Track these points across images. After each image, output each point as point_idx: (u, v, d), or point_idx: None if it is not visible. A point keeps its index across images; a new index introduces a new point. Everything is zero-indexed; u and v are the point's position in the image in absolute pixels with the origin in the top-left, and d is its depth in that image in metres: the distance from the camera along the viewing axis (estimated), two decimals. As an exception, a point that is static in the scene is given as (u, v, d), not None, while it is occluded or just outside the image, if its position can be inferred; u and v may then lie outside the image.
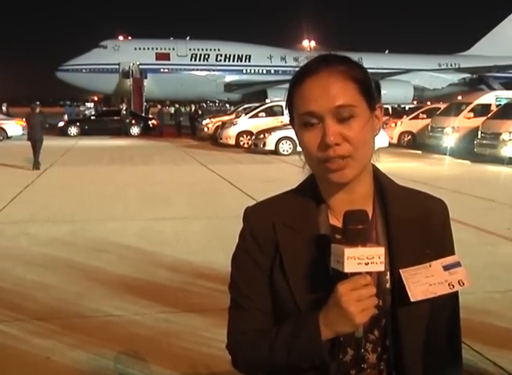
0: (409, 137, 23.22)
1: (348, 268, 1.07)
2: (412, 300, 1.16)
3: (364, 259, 1.07)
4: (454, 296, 1.27)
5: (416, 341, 1.23)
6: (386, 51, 49.97)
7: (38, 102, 17.14)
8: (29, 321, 4.71)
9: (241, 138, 23.02)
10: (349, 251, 1.06)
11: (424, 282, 1.17)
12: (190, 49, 43.31)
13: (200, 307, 4.98)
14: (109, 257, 6.65)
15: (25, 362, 4.01)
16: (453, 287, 1.18)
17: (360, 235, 1.09)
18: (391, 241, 1.22)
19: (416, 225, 1.24)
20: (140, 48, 42.27)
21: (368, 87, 1.19)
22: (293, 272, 1.20)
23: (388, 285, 1.20)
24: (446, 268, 1.19)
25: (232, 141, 23.07)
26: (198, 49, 43.50)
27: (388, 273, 1.20)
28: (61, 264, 6.32)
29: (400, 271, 1.18)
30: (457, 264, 1.20)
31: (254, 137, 21.07)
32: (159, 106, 35.63)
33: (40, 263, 6.34)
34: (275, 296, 1.23)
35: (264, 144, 19.98)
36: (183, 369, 3.91)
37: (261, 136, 20.26)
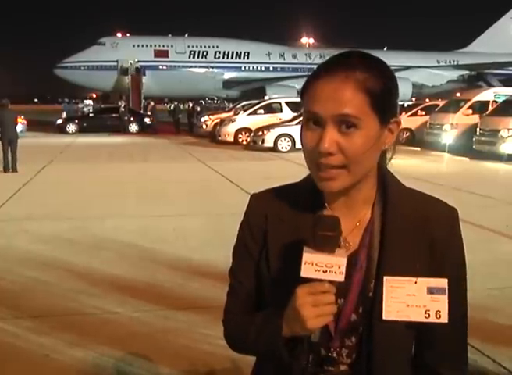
0: (407, 134, 23.19)
1: (304, 273, 1.06)
2: (384, 318, 1.14)
3: (322, 267, 1.05)
4: (460, 302, 1.22)
5: (390, 354, 1.20)
6: (385, 48, 49.91)
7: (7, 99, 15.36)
8: (28, 318, 4.71)
9: (240, 135, 23.00)
10: (307, 256, 1.05)
11: (402, 300, 1.14)
12: (188, 46, 43.26)
13: (200, 304, 4.98)
14: (108, 254, 6.65)
15: (24, 360, 4.01)
16: (429, 316, 1.14)
17: (328, 242, 1.06)
18: (383, 249, 1.19)
19: (412, 236, 1.19)
20: (138, 45, 42.20)
21: (384, 100, 1.14)
22: (276, 264, 1.22)
23: (371, 294, 1.18)
24: (430, 291, 1.14)
25: (230, 138, 23.05)
26: (197, 46, 43.44)
27: (373, 280, 1.18)
28: (60, 261, 6.31)
29: (384, 278, 1.16)
30: (443, 290, 1.14)
31: (252, 134, 21.06)
32: (152, 103, 35.57)
33: (39, 261, 6.34)
34: (259, 283, 1.27)
35: (262, 142, 19.97)
36: (182, 367, 3.91)
37: (260, 133, 20.24)
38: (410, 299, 1.14)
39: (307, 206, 1.23)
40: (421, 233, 1.20)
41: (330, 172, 1.12)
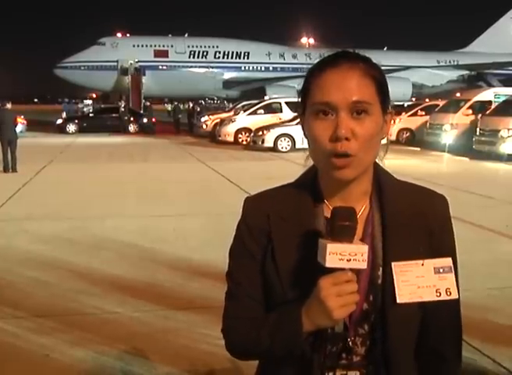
0: (407, 134, 23.22)
1: (329, 263, 1.08)
2: (398, 301, 1.17)
3: (346, 256, 1.08)
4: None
5: (404, 338, 1.24)
6: (385, 48, 49.88)
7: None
8: (28, 318, 4.72)
9: (240, 135, 23.00)
10: (331, 247, 1.08)
11: (413, 282, 1.18)
12: (188, 46, 43.22)
13: (200, 304, 4.98)
14: (108, 254, 6.66)
15: (24, 360, 4.01)
16: (440, 295, 1.18)
17: (347, 231, 1.09)
18: (386, 237, 1.23)
19: (412, 222, 1.24)
20: (138, 45, 42.17)
21: (384, 89, 1.21)
22: (284, 262, 1.22)
23: (379, 281, 1.21)
24: (437, 271, 1.19)
25: (230, 138, 23.06)
26: (197, 46, 43.41)
27: (381, 268, 1.21)
28: (60, 261, 6.32)
29: (392, 264, 1.19)
30: (449, 269, 1.20)
31: (252, 135, 21.07)
32: (148, 103, 35.50)
33: (40, 260, 6.34)
34: (266, 284, 1.26)
35: (262, 142, 19.97)
36: (182, 367, 3.92)
37: (260, 133, 20.25)
38: (419, 281, 1.18)
39: (307, 203, 1.25)
40: (420, 221, 1.25)
41: (344, 160, 1.15)
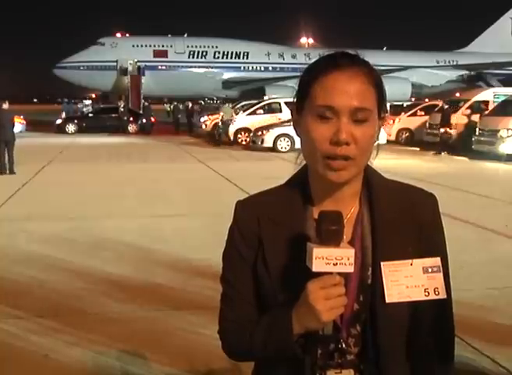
0: (407, 134, 23.22)
1: (316, 267, 1.09)
2: (387, 301, 1.18)
3: (332, 260, 1.08)
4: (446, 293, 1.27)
5: (395, 337, 1.24)
6: (384, 48, 49.87)
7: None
8: (27, 318, 4.72)
9: (239, 135, 23.01)
10: (317, 251, 1.08)
11: (402, 282, 1.19)
12: (187, 46, 43.19)
13: (200, 304, 4.98)
14: (108, 254, 6.65)
15: (23, 360, 4.01)
16: (428, 294, 1.19)
17: (333, 236, 1.10)
18: (375, 237, 1.23)
19: (401, 222, 1.25)
20: (137, 45, 42.12)
21: (383, 96, 1.22)
22: (274, 265, 1.23)
23: (369, 281, 1.22)
24: (426, 270, 1.20)
25: (230, 138, 23.07)
26: (196, 46, 43.38)
27: (370, 268, 1.22)
28: (59, 261, 6.31)
29: (381, 264, 1.20)
30: (437, 268, 1.21)
31: (252, 135, 21.08)
32: (146, 103, 35.53)
33: (39, 261, 6.34)
34: (258, 287, 1.27)
35: (262, 142, 19.98)
36: (181, 366, 3.92)
37: (259, 133, 20.27)
38: (408, 281, 1.19)
39: (297, 205, 1.26)
40: (409, 220, 1.25)
41: (341, 162, 1.16)
